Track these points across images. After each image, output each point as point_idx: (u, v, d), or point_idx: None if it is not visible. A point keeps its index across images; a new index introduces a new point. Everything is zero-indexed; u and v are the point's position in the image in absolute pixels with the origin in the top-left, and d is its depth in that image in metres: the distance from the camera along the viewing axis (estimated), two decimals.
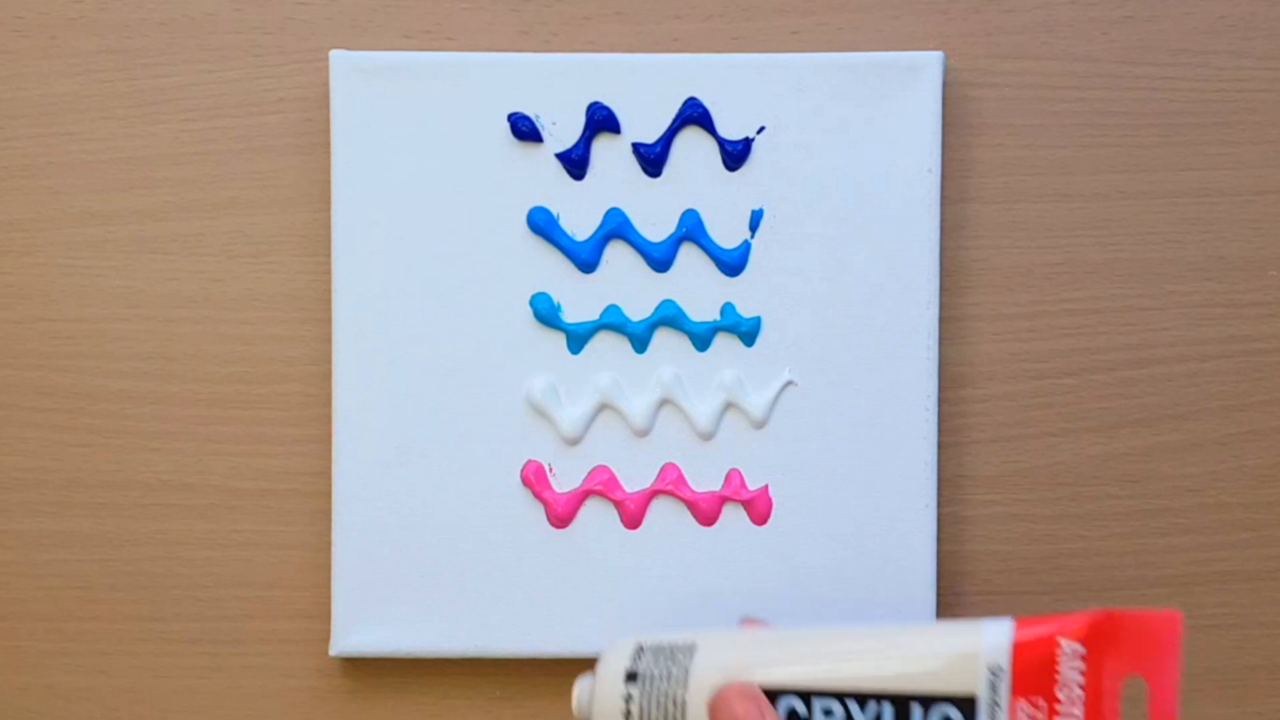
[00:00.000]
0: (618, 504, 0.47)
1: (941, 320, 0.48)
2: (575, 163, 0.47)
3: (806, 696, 0.37)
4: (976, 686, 0.35)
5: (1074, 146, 0.48)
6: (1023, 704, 0.34)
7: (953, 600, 0.48)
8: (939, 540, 0.47)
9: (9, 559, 0.49)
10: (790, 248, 0.47)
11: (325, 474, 0.48)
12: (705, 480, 0.48)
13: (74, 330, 0.48)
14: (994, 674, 0.35)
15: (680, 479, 0.47)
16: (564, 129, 0.47)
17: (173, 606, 0.49)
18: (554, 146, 0.47)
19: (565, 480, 0.48)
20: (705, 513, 0.47)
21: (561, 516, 0.47)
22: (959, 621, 0.36)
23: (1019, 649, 0.34)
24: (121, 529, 0.49)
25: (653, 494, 0.47)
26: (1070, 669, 0.34)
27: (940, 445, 0.48)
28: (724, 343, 0.47)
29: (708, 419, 0.47)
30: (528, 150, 0.47)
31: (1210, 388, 0.48)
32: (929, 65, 0.47)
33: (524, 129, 0.47)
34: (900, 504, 0.47)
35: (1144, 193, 0.48)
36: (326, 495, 0.48)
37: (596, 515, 0.47)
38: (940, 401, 0.48)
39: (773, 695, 0.37)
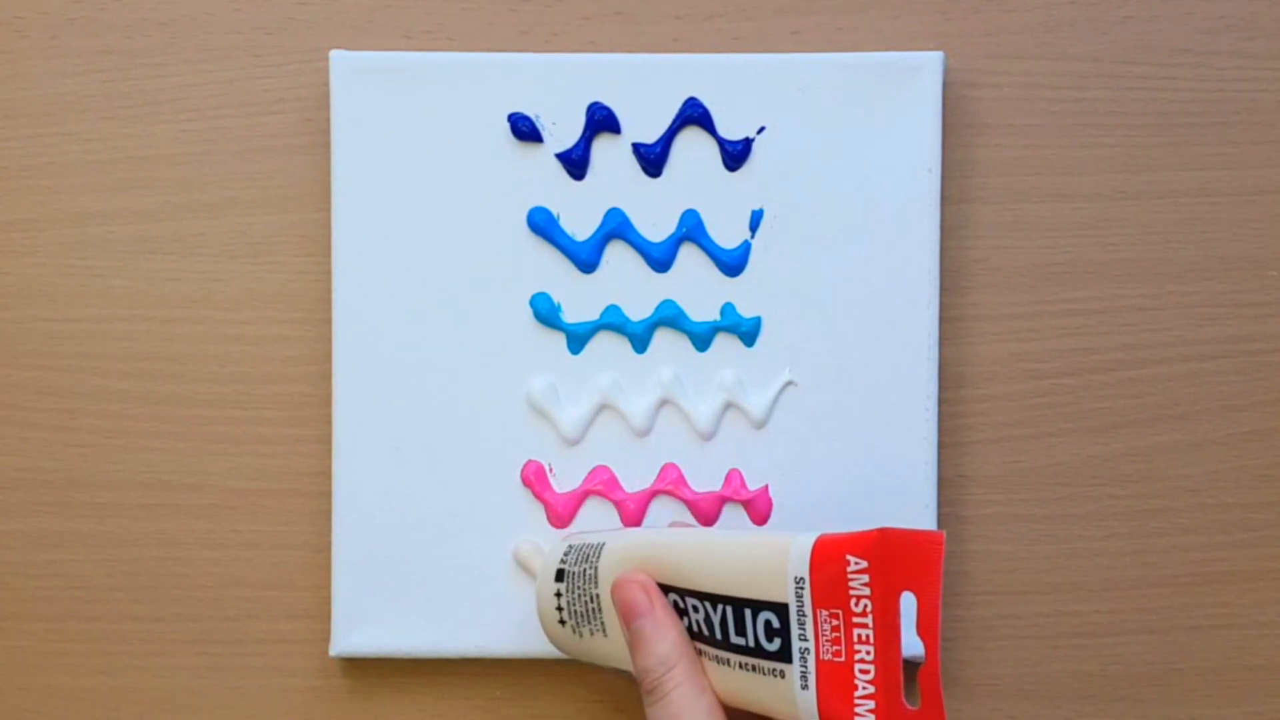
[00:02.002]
0: (618, 504, 0.47)
1: (941, 320, 0.48)
2: (575, 163, 0.47)
3: (679, 592, 0.40)
4: (786, 595, 0.37)
5: (1074, 146, 0.48)
6: (824, 613, 0.36)
7: (953, 600, 0.48)
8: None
9: (9, 559, 0.49)
10: (790, 248, 0.47)
11: (325, 474, 0.48)
12: (705, 480, 0.48)
13: (74, 330, 0.48)
14: (798, 584, 0.37)
15: (680, 479, 0.47)
16: (564, 129, 0.47)
17: (173, 606, 0.49)
18: (554, 146, 0.47)
19: (565, 480, 0.48)
20: (705, 513, 0.47)
21: (562, 516, 0.47)
22: (782, 535, 0.38)
23: (815, 563, 0.37)
24: (121, 529, 0.49)
25: (653, 494, 0.47)
26: (858, 583, 0.36)
27: (940, 445, 0.48)
28: (724, 343, 0.47)
29: (708, 419, 0.47)
30: (528, 150, 0.47)
31: (1210, 388, 0.48)
32: (929, 65, 0.47)
33: (524, 129, 0.47)
34: (900, 504, 0.47)
35: (1144, 193, 0.48)
36: (326, 495, 0.48)
37: (597, 515, 0.47)
38: (940, 401, 0.48)
39: (663, 588, 0.41)
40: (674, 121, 0.47)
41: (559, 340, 0.47)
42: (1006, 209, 0.48)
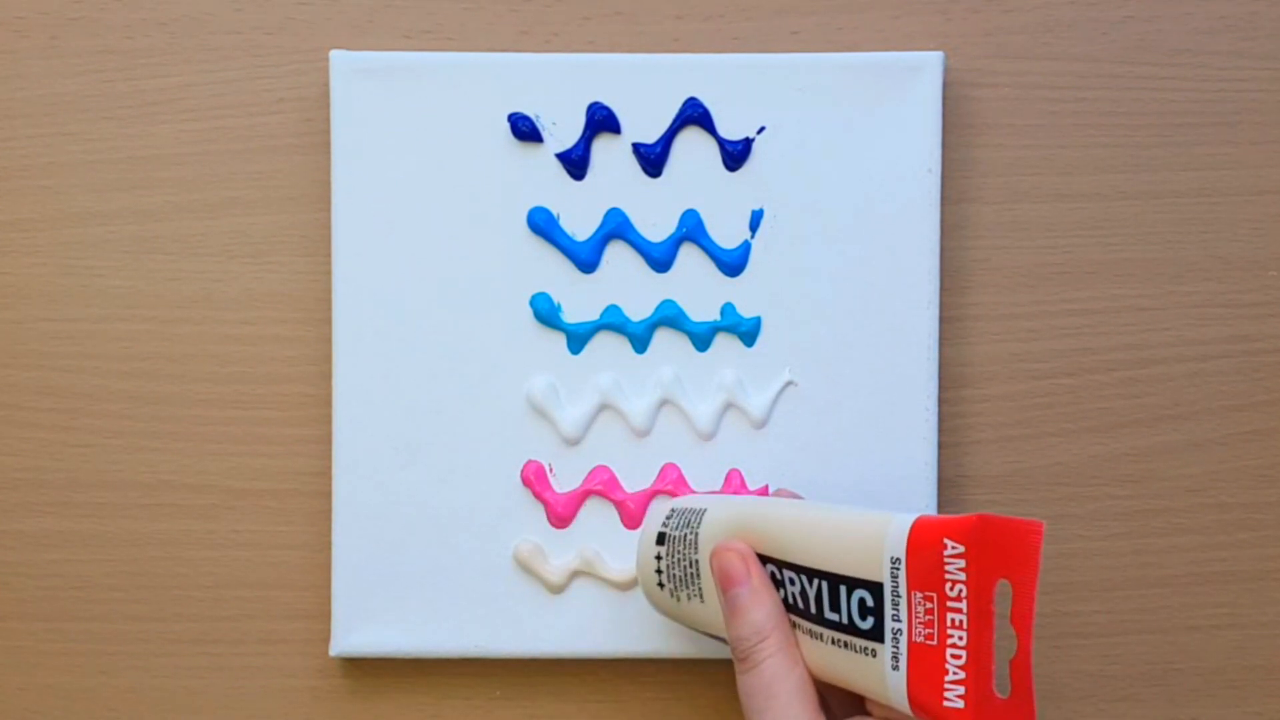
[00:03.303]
0: (618, 504, 0.47)
1: (941, 320, 0.48)
2: (575, 163, 0.47)
3: (776, 563, 0.40)
4: (881, 575, 0.37)
5: (1074, 146, 0.48)
6: (918, 595, 0.36)
7: None
8: None
9: (9, 559, 0.49)
10: (790, 248, 0.47)
11: (325, 474, 0.48)
12: (705, 480, 0.48)
13: (74, 330, 0.48)
14: (894, 565, 0.37)
15: (680, 479, 0.47)
16: (564, 129, 0.47)
17: (173, 606, 0.49)
18: (554, 146, 0.47)
19: (565, 480, 0.48)
20: None
21: (562, 516, 0.47)
22: (882, 513, 0.38)
23: (912, 545, 0.36)
24: (121, 529, 0.49)
25: (653, 494, 0.47)
26: (954, 567, 0.36)
27: (940, 445, 0.48)
28: (724, 343, 0.47)
29: (708, 419, 0.47)
30: (528, 150, 0.47)
31: (1210, 388, 0.48)
32: (929, 65, 0.47)
33: (524, 129, 0.47)
34: (900, 504, 0.47)
35: (1144, 193, 0.48)
36: (326, 495, 0.48)
37: (597, 515, 0.47)
38: (940, 401, 0.48)
39: (761, 558, 0.41)
40: (674, 121, 0.47)
41: (559, 340, 0.47)
42: (1006, 209, 0.48)
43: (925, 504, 0.47)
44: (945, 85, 0.47)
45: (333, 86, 0.47)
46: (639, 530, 0.46)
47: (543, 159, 0.47)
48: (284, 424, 0.48)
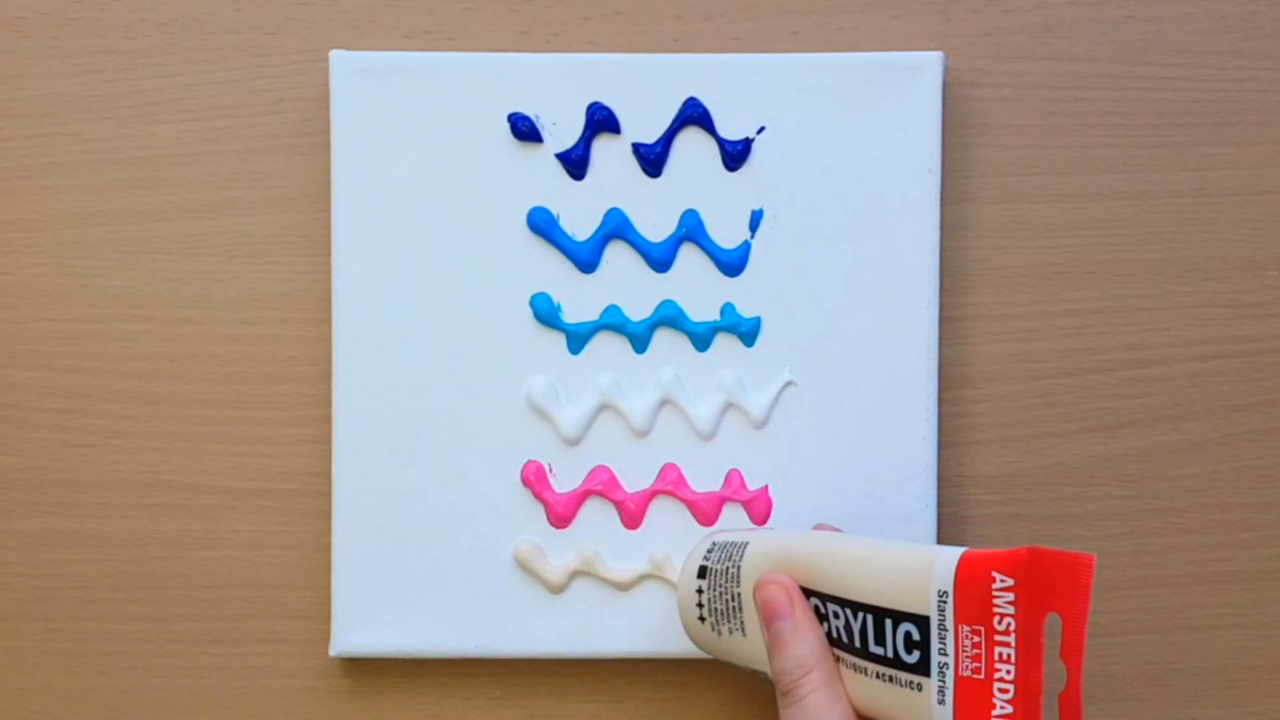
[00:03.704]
0: (618, 504, 0.47)
1: (941, 320, 0.48)
2: (575, 163, 0.47)
3: (820, 597, 0.40)
4: (928, 608, 0.36)
5: (1074, 146, 0.48)
6: (965, 628, 0.36)
7: None
8: (939, 540, 0.47)
9: (9, 559, 0.49)
10: (790, 248, 0.47)
11: (325, 474, 0.48)
12: (705, 480, 0.48)
13: (74, 330, 0.48)
14: (941, 598, 0.36)
15: (680, 479, 0.47)
16: (564, 129, 0.47)
17: (173, 606, 0.49)
18: (554, 146, 0.47)
19: (565, 480, 0.48)
20: (705, 513, 0.47)
21: (562, 516, 0.47)
22: (929, 547, 0.38)
23: (960, 578, 0.36)
24: (121, 529, 0.49)
25: (653, 494, 0.47)
26: (1003, 600, 0.35)
27: (940, 445, 0.48)
28: (724, 343, 0.47)
29: (708, 419, 0.47)
30: (528, 150, 0.47)
31: (1210, 388, 0.48)
32: (929, 65, 0.47)
33: (524, 129, 0.47)
34: (900, 504, 0.47)
35: (1144, 193, 0.48)
36: (326, 495, 0.48)
37: (597, 515, 0.47)
38: (940, 401, 0.48)
39: (804, 592, 0.41)
40: (674, 121, 0.47)
41: (559, 340, 0.47)
42: (1006, 209, 0.48)
43: (925, 504, 0.47)
44: (945, 85, 0.47)
45: (333, 86, 0.47)
46: (680, 565, 0.45)
47: (543, 159, 0.47)
48: (284, 424, 0.48)
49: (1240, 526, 0.49)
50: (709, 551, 0.44)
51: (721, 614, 0.43)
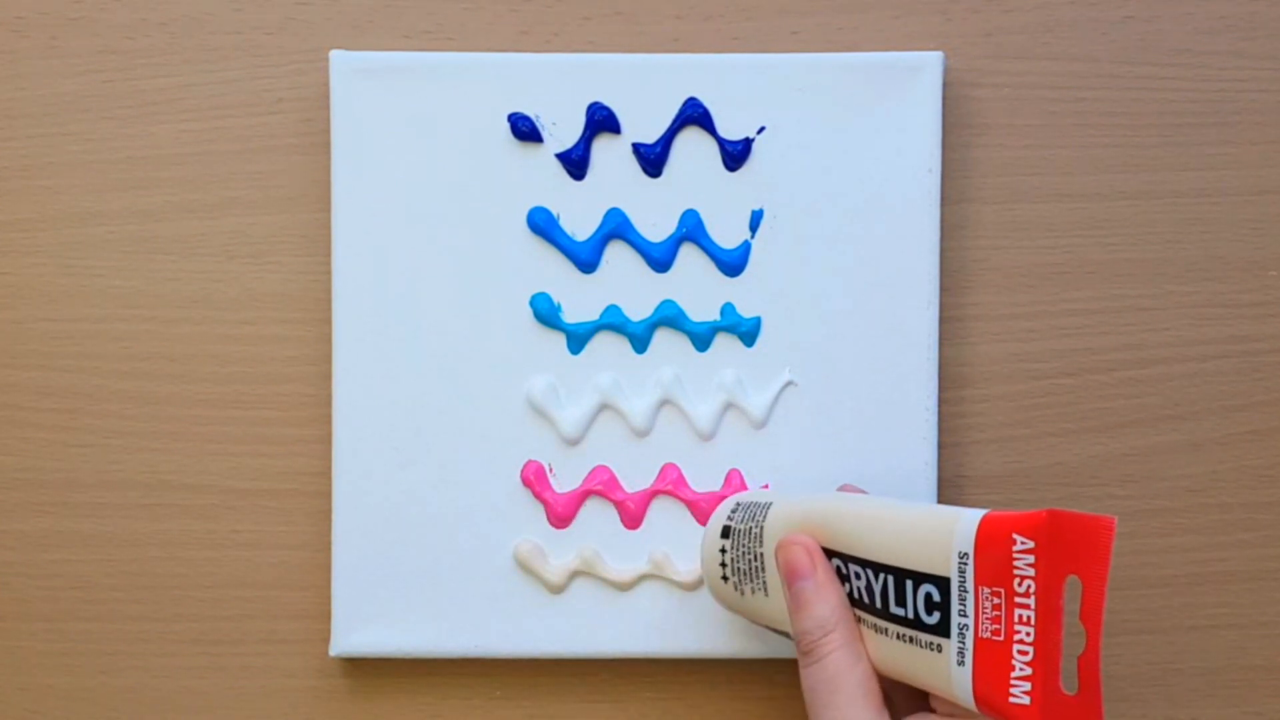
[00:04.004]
0: (618, 504, 0.47)
1: (941, 320, 0.48)
2: (575, 163, 0.47)
3: (842, 557, 0.40)
4: (949, 569, 0.37)
5: (1074, 146, 0.48)
6: (986, 590, 0.36)
7: None
8: None
9: (9, 559, 0.49)
10: (790, 248, 0.47)
11: (325, 474, 0.48)
12: (705, 480, 0.48)
13: (74, 330, 0.48)
14: (962, 560, 0.36)
15: (680, 479, 0.47)
16: (564, 129, 0.47)
17: (173, 606, 0.49)
18: (554, 146, 0.47)
19: (565, 480, 0.48)
20: (705, 513, 0.47)
21: (562, 516, 0.47)
22: (950, 509, 0.38)
23: (980, 540, 0.36)
24: (121, 529, 0.49)
25: (653, 494, 0.47)
26: (1023, 563, 0.35)
27: (940, 445, 0.48)
28: (724, 343, 0.47)
29: (708, 419, 0.47)
30: (528, 150, 0.47)
31: (1210, 388, 0.48)
32: (929, 65, 0.47)
33: (524, 129, 0.47)
34: None
35: (1144, 193, 0.48)
36: (326, 495, 0.48)
37: (597, 515, 0.47)
38: (940, 401, 0.48)
39: (826, 553, 0.41)
40: (674, 121, 0.47)
41: (559, 340, 0.47)
42: (1006, 209, 0.48)
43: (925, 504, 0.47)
44: (945, 85, 0.47)
45: (333, 86, 0.47)
46: (705, 527, 0.46)
47: (543, 159, 0.47)
48: (284, 424, 0.48)
49: (1240, 526, 0.49)
50: (733, 511, 0.44)
51: (744, 574, 0.43)
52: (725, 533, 0.44)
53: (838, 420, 0.47)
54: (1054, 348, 0.48)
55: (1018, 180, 0.48)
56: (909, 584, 0.37)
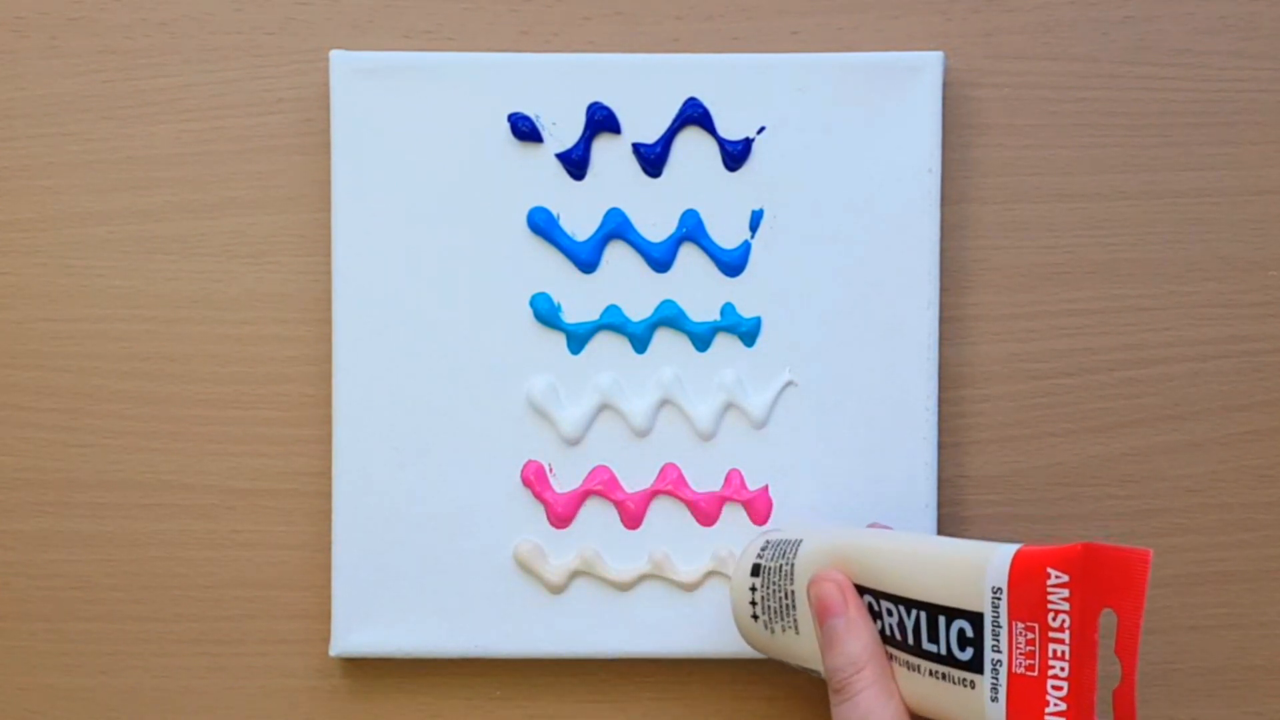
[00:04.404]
0: (618, 504, 0.47)
1: (941, 320, 0.48)
2: (575, 163, 0.47)
3: (874, 594, 0.40)
4: (982, 605, 0.36)
5: (1074, 146, 0.48)
6: (1019, 625, 0.36)
7: None
8: None
9: (9, 559, 0.49)
10: (790, 248, 0.47)
11: (325, 474, 0.48)
12: (705, 480, 0.48)
13: (74, 330, 0.48)
14: (995, 595, 0.36)
15: (680, 479, 0.47)
16: (564, 129, 0.47)
17: (173, 606, 0.49)
18: (554, 146, 0.47)
19: (565, 480, 0.48)
20: (705, 513, 0.47)
21: (562, 516, 0.47)
22: (983, 544, 0.37)
23: (1014, 574, 0.36)
24: (121, 529, 0.49)
25: (653, 494, 0.47)
26: (1058, 597, 0.35)
27: (940, 445, 0.48)
28: (724, 343, 0.47)
29: (708, 419, 0.47)
30: (528, 150, 0.47)
31: (1210, 388, 0.48)
32: (929, 65, 0.47)
33: (524, 129, 0.47)
34: (900, 504, 0.47)
35: (1144, 193, 0.48)
36: (326, 495, 0.48)
37: (597, 515, 0.47)
38: (940, 401, 0.48)
39: (858, 589, 0.41)
40: (674, 121, 0.47)
41: (559, 340, 0.47)
42: (1006, 209, 0.48)
43: (925, 504, 0.47)
44: (945, 85, 0.47)
45: (333, 86, 0.47)
46: (735, 565, 0.45)
47: (543, 159, 0.47)
48: (284, 424, 0.48)
49: (1240, 526, 0.49)
50: (763, 549, 0.44)
51: (775, 612, 0.43)
52: (755, 570, 0.43)
53: (838, 420, 0.47)
54: (1054, 348, 0.48)
55: (1018, 180, 0.48)
56: (942, 620, 0.37)
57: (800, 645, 0.42)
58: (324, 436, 0.48)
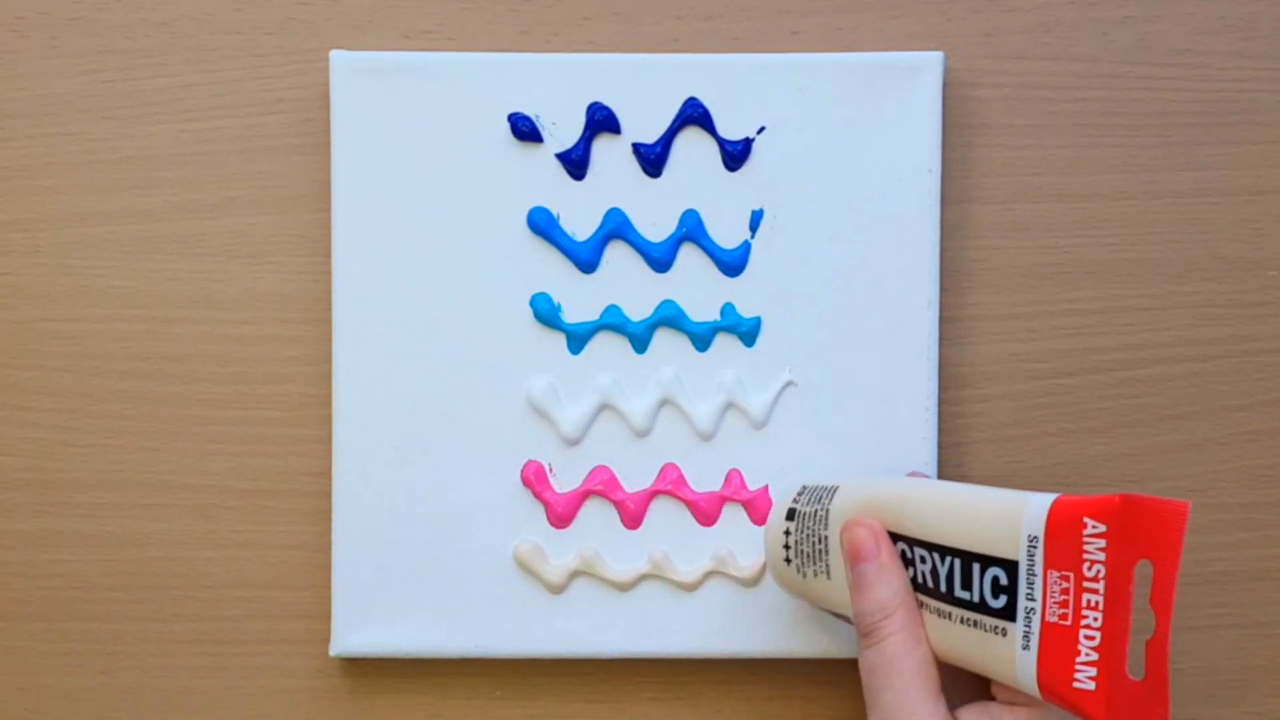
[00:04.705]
0: (618, 504, 0.47)
1: (941, 320, 0.48)
2: (575, 163, 0.47)
3: (908, 541, 0.40)
4: (1017, 553, 0.36)
5: (1074, 146, 0.48)
6: (1054, 574, 0.36)
7: None
8: None
9: (9, 559, 0.49)
10: (790, 248, 0.47)
11: (325, 474, 0.48)
12: (705, 480, 0.48)
13: (74, 330, 0.48)
14: (1031, 544, 0.36)
15: (680, 479, 0.47)
16: (564, 129, 0.47)
17: (173, 606, 0.49)
18: (554, 146, 0.47)
19: (565, 480, 0.48)
20: (705, 513, 0.47)
21: (562, 516, 0.47)
22: (1019, 493, 0.37)
23: (1051, 523, 0.36)
24: (121, 529, 0.49)
25: (653, 494, 0.47)
26: (1094, 547, 0.35)
27: (940, 445, 0.48)
28: (724, 343, 0.47)
29: (708, 419, 0.47)
30: (528, 150, 0.47)
31: (1210, 388, 0.48)
32: (929, 65, 0.47)
33: (524, 129, 0.47)
34: None
35: (1144, 193, 0.48)
36: (326, 495, 0.48)
37: (597, 515, 0.47)
38: (940, 401, 0.48)
39: (892, 536, 0.41)
40: (674, 121, 0.47)
41: (559, 340, 0.47)
42: (1006, 209, 0.48)
43: None
44: (945, 85, 0.47)
45: (333, 86, 0.47)
46: (771, 510, 0.45)
47: (543, 159, 0.47)
48: (284, 424, 0.48)
49: (1240, 526, 0.49)
50: (798, 495, 0.44)
51: (808, 556, 0.43)
52: (790, 515, 0.44)
53: (838, 420, 0.47)
54: (1054, 348, 0.48)
55: (1018, 180, 0.48)
56: (976, 567, 0.37)
57: (831, 590, 0.42)
58: (324, 436, 0.48)
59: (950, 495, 0.39)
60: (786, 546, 0.44)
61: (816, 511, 0.43)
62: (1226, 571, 0.49)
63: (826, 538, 0.42)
